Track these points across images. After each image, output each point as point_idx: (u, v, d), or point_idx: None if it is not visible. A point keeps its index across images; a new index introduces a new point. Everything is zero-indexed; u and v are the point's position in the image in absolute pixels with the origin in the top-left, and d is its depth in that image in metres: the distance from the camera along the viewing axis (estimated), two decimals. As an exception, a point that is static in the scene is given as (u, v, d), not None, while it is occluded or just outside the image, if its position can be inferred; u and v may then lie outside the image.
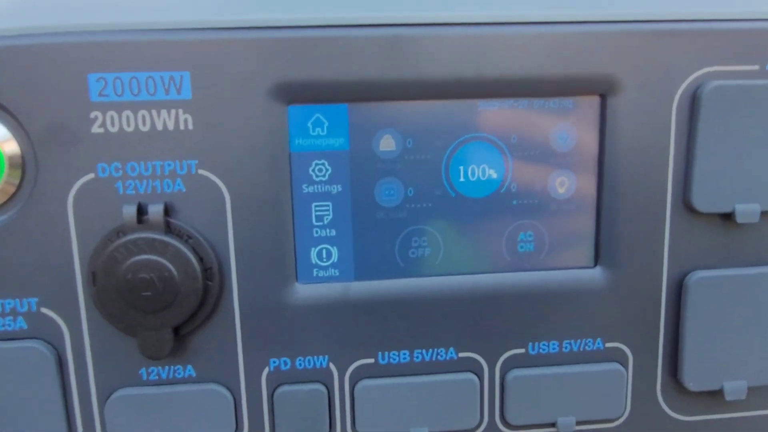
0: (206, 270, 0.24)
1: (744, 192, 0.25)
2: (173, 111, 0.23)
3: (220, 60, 0.23)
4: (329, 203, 0.25)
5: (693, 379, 0.27)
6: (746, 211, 0.25)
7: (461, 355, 0.26)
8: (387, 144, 0.25)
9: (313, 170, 0.25)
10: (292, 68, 0.23)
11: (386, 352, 0.26)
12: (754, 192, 0.25)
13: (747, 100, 0.25)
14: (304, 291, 0.25)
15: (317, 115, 0.24)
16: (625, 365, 0.27)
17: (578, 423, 0.27)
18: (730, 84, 0.24)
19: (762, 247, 0.26)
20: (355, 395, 0.26)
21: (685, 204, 0.26)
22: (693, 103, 0.25)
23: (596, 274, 0.26)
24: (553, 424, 0.27)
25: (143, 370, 0.25)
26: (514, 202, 0.26)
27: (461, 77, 0.24)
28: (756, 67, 0.25)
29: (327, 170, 0.25)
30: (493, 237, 0.26)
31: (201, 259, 0.24)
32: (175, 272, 0.23)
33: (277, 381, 0.26)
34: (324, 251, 0.26)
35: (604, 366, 0.27)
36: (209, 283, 0.24)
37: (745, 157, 0.25)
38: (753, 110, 0.25)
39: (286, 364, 0.25)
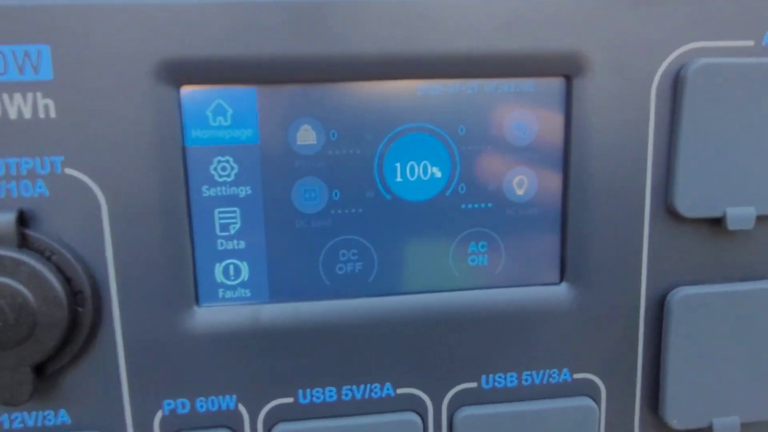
0: (75, 294, 0.19)
1: (736, 193, 0.21)
2: (30, 95, 0.18)
3: (90, 30, 0.18)
4: (236, 209, 0.21)
5: (677, 415, 0.22)
6: (739, 216, 0.21)
7: (400, 391, 0.22)
8: (306, 136, 0.20)
9: (215, 169, 0.20)
10: (185, 41, 0.19)
11: (308, 390, 0.21)
12: (747, 193, 0.21)
13: (740, 81, 0.21)
14: (206, 316, 0.21)
15: (218, 100, 0.20)
16: (596, 400, 0.23)
17: (540, 469, 0.23)
18: (720, 62, 0.20)
19: (757, 258, 0.22)
20: (270, 442, 0.21)
21: (668, 208, 0.21)
22: (676, 85, 0.21)
23: (562, 291, 0.22)
24: (511, 472, 0.23)
25: (5, 416, 0.20)
26: (463, 206, 0.22)
27: (396, 55, 0.20)
28: (751, 43, 0.21)
29: (232, 168, 0.20)
30: (439, 249, 0.22)
31: (68, 281, 0.19)
32: (31, 297, 0.18)
33: (173, 427, 0.21)
34: (231, 267, 0.21)
35: (572, 401, 0.22)
36: (79, 309, 0.19)
37: (737, 150, 0.21)
38: (747, 94, 0.21)
39: (184, 406, 0.21)
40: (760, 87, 0.21)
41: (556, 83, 0.21)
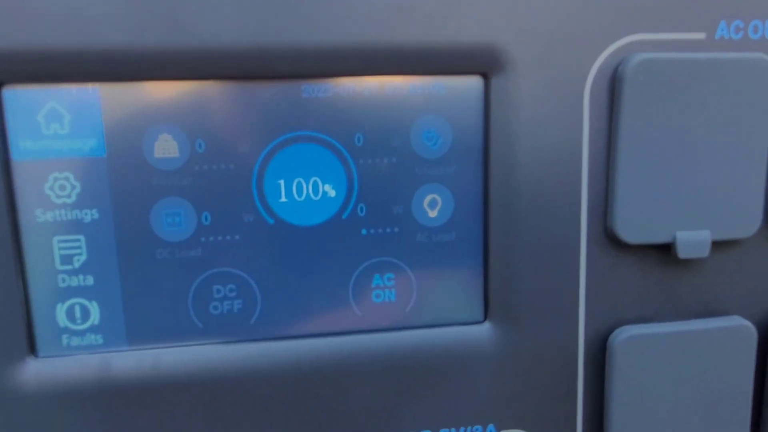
0: None
1: (687, 215, 0.18)
2: None
3: None
4: (80, 236, 0.17)
5: (624, 476, 0.19)
6: (691, 241, 0.18)
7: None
8: (166, 148, 0.17)
9: (52, 188, 0.16)
10: (4, 30, 0.15)
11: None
12: (701, 215, 0.18)
13: (689, 80, 0.17)
14: (45, 369, 0.17)
15: (52, 103, 0.16)
16: (529, 460, 0.19)
17: None
18: (664, 58, 0.17)
19: (713, 291, 0.19)
20: None
21: (607, 233, 0.18)
22: (613, 85, 0.17)
23: (485, 331, 0.19)
24: None
25: None
26: (364, 231, 0.18)
27: (273, 47, 0.16)
28: (702, 35, 0.18)
29: (73, 187, 0.17)
30: (336, 282, 0.18)
31: None
32: None
33: None
34: (77, 308, 0.17)
35: (500, 463, 0.19)
36: None
37: (687, 163, 0.18)
38: (697, 95, 0.17)
39: (16, 479, 0.17)
40: (712, 87, 0.17)
41: (472, 83, 0.18)
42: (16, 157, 0.16)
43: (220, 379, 0.18)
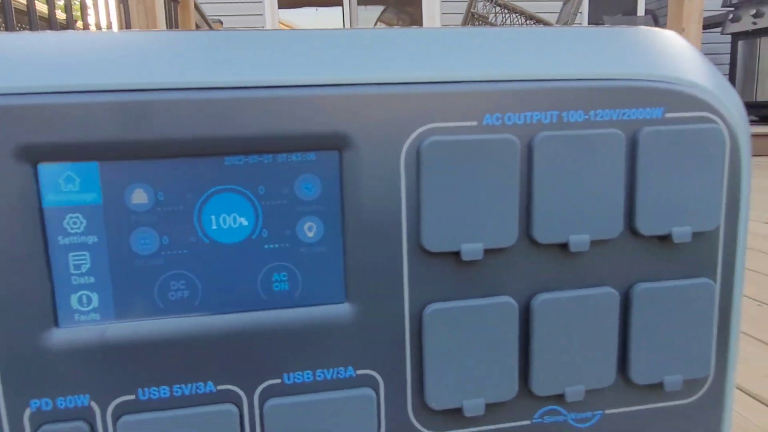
0: None
1: (468, 235, 0.29)
2: None
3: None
4: (86, 253, 0.27)
5: (435, 399, 0.30)
6: (471, 250, 0.29)
7: (220, 387, 0.29)
8: (139, 197, 0.27)
9: (68, 223, 0.27)
10: (39, 129, 0.25)
11: (146, 389, 0.28)
12: (478, 234, 0.29)
13: (465, 152, 0.28)
14: (64, 335, 0.27)
15: (68, 172, 0.26)
16: (376, 389, 0.30)
17: (336, 443, 0.30)
18: (446, 139, 0.28)
19: (488, 281, 0.30)
20: (117, 430, 0.28)
21: (419, 246, 0.29)
22: (418, 157, 0.28)
23: (345, 309, 0.29)
24: (311, 446, 0.30)
25: None
26: (266, 246, 0.29)
27: (205, 137, 0.26)
28: (474, 123, 0.28)
29: (82, 223, 0.27)
30: (249, 278, 0.29)
31: None
32: None
33: (39, 421, 0.27)
34: (84, 297, 0.27)
35: (355, 391, 0.30)
36: None
37: (467, 204, 0.28)
38: (472, 161, 0.28)
39: (47, 404, 0.27)
40: (481, 155, 0.28)
41: (331, 154, 0.28)
42: (45, 205, 0.26)
43: (174, 340, 0.28)
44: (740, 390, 1.25)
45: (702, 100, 0.30)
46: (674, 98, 0.30)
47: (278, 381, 0.29)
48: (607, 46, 0.31)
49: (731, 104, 0.32)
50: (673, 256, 0.31)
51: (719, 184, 0.31)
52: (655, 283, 0.31)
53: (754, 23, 5.33)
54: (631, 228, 0.31)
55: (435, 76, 0.28)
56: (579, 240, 0.30)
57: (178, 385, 0.28)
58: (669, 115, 0.30)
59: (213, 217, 0.28)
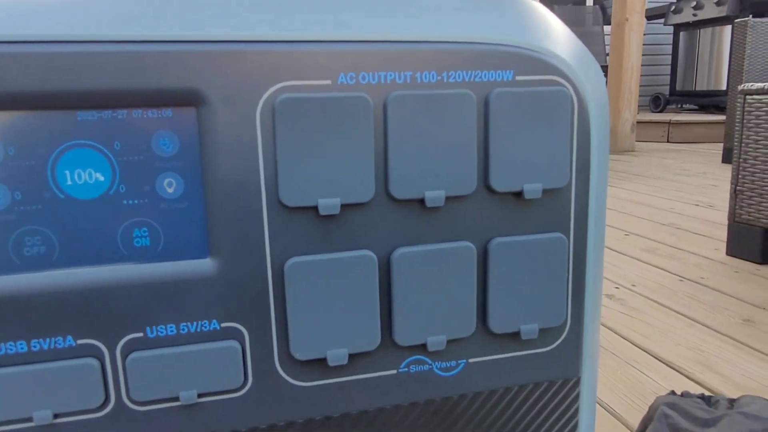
0: None
1: (326, 190, 0.30)
2: None
3: None
4: (-65, 208, 0.27)
5: (299, 350, 0.31)
6: (328, 205, 0.30)
7: (80, 342, 0.29)
8: (-11, 152, 0.27)
9: None
10: None
11: (1, 344, 0.28)
12: (335, 190, 0.30)
13: (319, 109, 0.29)
14: None
15: None
16: (241, 341, 0.31)
17: (202, 395, 0.31)
18: (299, 96, 0.29)
19: (348, 236, 0.31)
20: (-27, 384, 0.28)
21: (279, 202, 0.30)
22: (273, 114, 0.29)
23: (208, 263, 0.30)
24: (177, 398, 0.30)
25: None
26: (125, 201, 0.29)
27: (56, 90, 0.27)
28: (328, 82, 0.29)
29: (-73, 177, 0.27)
30: (108, 234, 0.29)
31: None
32: None
33: None
34: (-66, 253, 0.27)
35: (220, 344, 0.30)
36: None
37: (323, 160, 0.30)
38: (326, 119, 0.29)
39: None
40: (335, 115, 0.29)
41: (188, 111, 0.29)
42: None
43: (31, 295, 0.28)
44: (655, 357, 1.32)
45: (552, 65, 0.32)
46: (524, 62, 0.32)
47: (140, 335, 0.30)
48: (466, 12, 0.32)
49: (584, 71, 0.34)
50: (526, 212, 0.33)
51: (568, 144, 0.33)
52: (511, 238, 0.33)
53: (695, 15, 5.53)
54: (486, 185, 0.32)
55: (290, 35, 0.29)
56: (435, 196, 0.31)
57: (36, 340, 0.28)
58: (519, 77, 0.32)
59: (67, 172, 0.28)
